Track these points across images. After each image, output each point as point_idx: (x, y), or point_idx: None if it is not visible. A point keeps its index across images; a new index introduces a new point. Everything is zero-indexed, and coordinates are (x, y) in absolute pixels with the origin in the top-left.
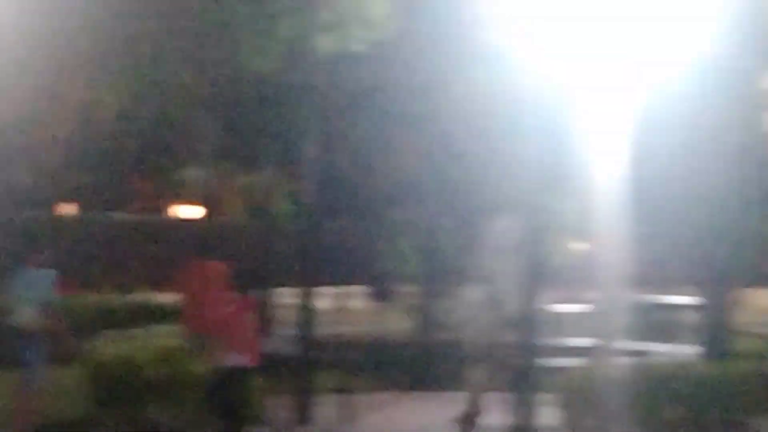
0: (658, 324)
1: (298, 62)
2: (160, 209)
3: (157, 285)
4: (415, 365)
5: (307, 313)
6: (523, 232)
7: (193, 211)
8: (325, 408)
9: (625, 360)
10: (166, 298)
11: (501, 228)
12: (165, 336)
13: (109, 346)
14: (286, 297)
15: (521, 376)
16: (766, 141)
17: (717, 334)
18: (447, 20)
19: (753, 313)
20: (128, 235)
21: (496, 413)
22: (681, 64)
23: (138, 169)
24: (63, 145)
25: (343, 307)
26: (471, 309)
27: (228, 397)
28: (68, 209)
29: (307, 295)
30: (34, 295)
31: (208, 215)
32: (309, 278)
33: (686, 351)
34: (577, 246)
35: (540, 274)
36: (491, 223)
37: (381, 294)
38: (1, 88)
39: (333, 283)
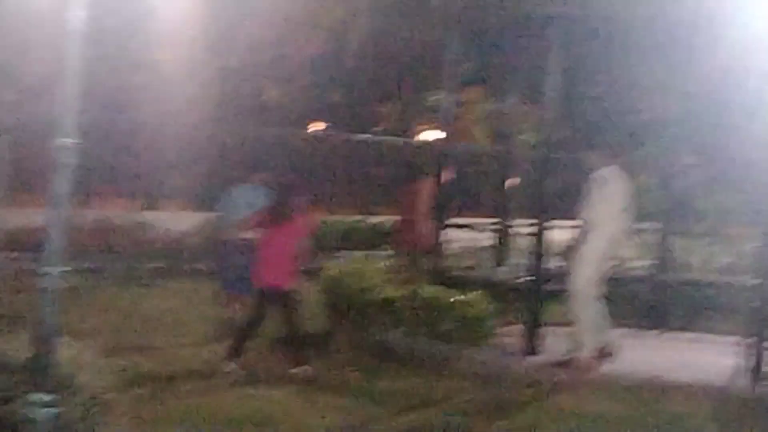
0: None
1: None
2: (405, 132)
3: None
4: (651, 303)
5: (541, 244)
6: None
7: (437, 136)
8: (555, 339)
9: None
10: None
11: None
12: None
13: (341, 264)
14: (523, 227)
15: (757, 319)
16: None
17: None
18: None
19: None
20: (371, 157)
21: (728, 356)
22: None
23: (385, 92)
24: (315, 65)
25: None
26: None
27: None
28: (316, 128)
29: (542, 226)
30: (243, 211)
31: (452, 140)
32: (546, 209)
33: None
34: None
35: None
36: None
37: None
38: (255, 6)
39: (571, 215)
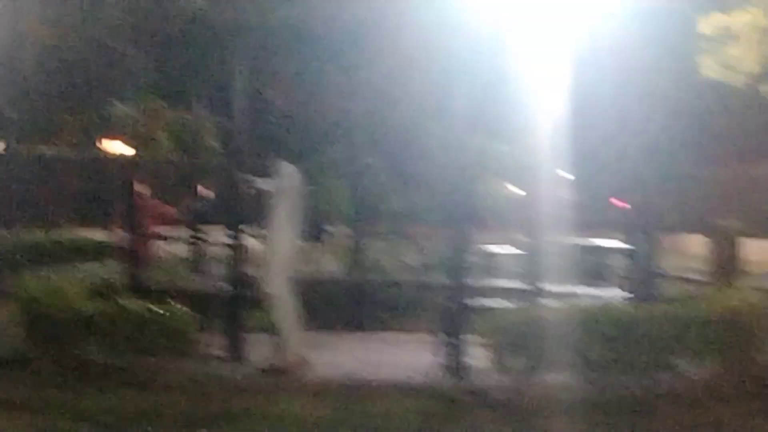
0: (589, 267)
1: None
2: (88, 145)
3: (84, 222)
4: (346, 305)
5: (238, 252)
6: (455, 172)
7: (121, 147)
8: (257, 346)
9: (555, 302)
10: (94, 234)
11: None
12: (95, 272)
13: (39, 282)
14: (217, 235)
15: (450, 316)
16: (700, 86)
17: (645, 278)
18: None
19: (684, 258)
20: (56, 171)
21: (424, 354)
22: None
23: (66, 104)
24: None
25: None
26: (401, 249)
27: None
28: None
29: (237, 234)
30: None
31: (136, 151)
32: (240, 216)
33: (615, 294)
34: (512, 189)
35: (472, 215)
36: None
37: (313, 234)
38: None
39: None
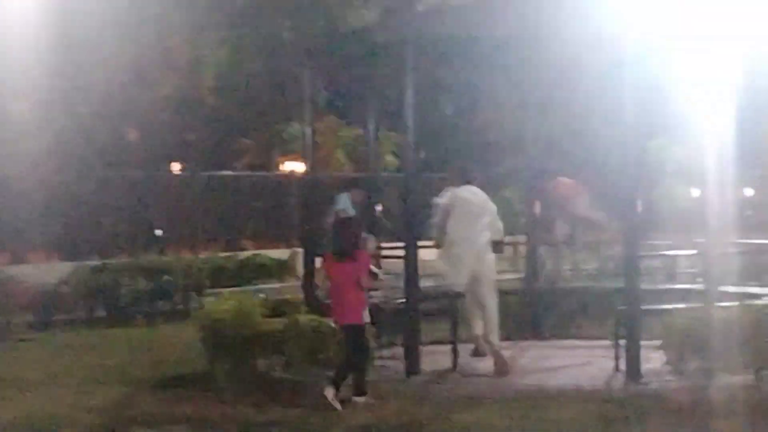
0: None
1: (398, 15)
2: (265, 166)
3: (266, 242)
4: (525, 314)
5: (414, 264)
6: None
7: (298, 167)
8: (436, 357)
9: (732, 303)
10: (276, 254)
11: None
12: (275, 292)
13: (220, 302)
14: (393, 250)
15: (626, 320)
16: None
17: None
18: None
19: None
20: (235, 193)
21: (602, 359)
22: None
23: (242, 127)
24: (169, 105)
25: None
26: (575, 256)
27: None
28: (174, 168)
29: (413, 247)
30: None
31: (313, 170)
32: (416, 230)
33: None
34: (686, 191)
35: (649, 218)
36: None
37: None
38: (108, 50)
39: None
